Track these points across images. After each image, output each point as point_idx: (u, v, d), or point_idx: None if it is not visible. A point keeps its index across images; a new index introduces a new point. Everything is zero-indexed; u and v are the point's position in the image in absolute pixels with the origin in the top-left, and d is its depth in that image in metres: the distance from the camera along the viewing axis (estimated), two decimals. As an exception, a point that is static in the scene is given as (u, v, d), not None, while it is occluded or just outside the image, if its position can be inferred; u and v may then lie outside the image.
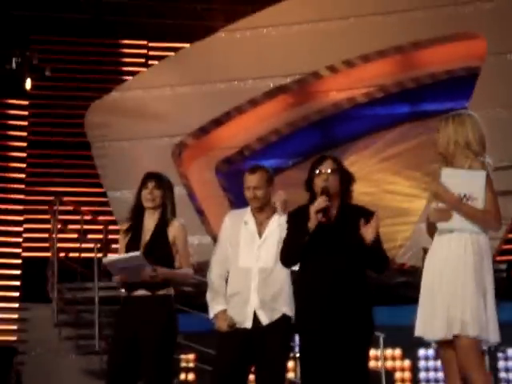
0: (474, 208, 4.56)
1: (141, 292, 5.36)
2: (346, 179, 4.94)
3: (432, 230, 4.71)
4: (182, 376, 9.29)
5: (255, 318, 5.18)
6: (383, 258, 4.90)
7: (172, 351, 5.42)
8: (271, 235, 5.23)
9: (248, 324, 5.17)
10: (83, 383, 8.64)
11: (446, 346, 4.60)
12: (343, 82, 11.19)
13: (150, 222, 5.48)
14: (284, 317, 5.17)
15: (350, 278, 4.79)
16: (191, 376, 9.28)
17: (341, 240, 4.83)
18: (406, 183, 10.79)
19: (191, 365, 9.20)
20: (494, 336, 4.55)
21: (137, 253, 5.30)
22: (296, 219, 4.92)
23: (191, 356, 9.15)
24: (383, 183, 10.88)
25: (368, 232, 4.77)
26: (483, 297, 4.51)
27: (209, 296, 5.32)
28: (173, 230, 5.46)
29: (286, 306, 5.19)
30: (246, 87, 11.28)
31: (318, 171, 4.90)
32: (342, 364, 4.79)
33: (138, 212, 5.51)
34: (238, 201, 9.34)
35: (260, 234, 5.27)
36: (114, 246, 8.52)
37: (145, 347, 5.29)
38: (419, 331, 4.62)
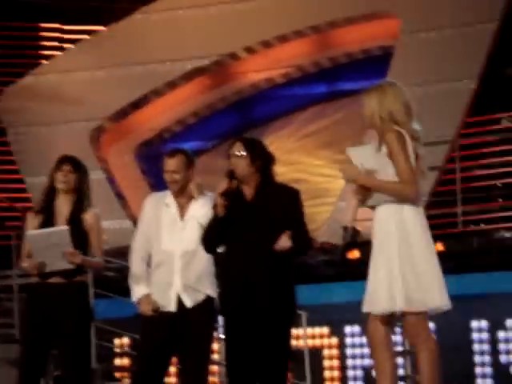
0: (388, 182, 4.56)
1: (56, 279, 5.31)
2: (261, 160, 4.97)
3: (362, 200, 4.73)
4: (117, 361, 9.25)
5: (179, 301, 5.19)
6: (305, 244, 4.95)
7: (89, 339, 5.42)
8: (193, 218, 5.24)
9: (172, 307, 5.18)
10: (1, 372, 8.52)
11: (375, 319, 4.62)
12: (261, 62, 11.21)
13: (63, 206, 5.40)
14: (207, 298, 5.20)
15: (268, 257, 4.82)
16: (126, 361, 9.25)
17: (258, 219, 4.87)
18: (323, 163, 10.88)
19: (126, 349, 9.16)
20: (440, 302, 4.55)
21: (63, 227, 5.24)
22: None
23: (125, 341, 9.11)
24: (301, 164, 10.95)
25: (283, 242, 4.81)
26: (421, 268, 4.52)
27: (131, 280, 5.30)
28: (88, 219, 5.40)
29: (209, 288, 5.21)
30: (163, 70, 11.23)
31: (228, 156, 4.97)
32: (264, 344, 4.83)
33: (49, 194, 5.41)
34: (158, 184, 9.29)
35: (182, 216, 5.27)
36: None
37: (62, 336, 5.26)
38: (365, 307, 4.61)
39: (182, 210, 5.27)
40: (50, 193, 5.41)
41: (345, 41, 11.03)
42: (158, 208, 5.28)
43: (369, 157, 4.62)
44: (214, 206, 4.89)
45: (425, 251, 4.57)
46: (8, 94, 11.14)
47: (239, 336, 4.87)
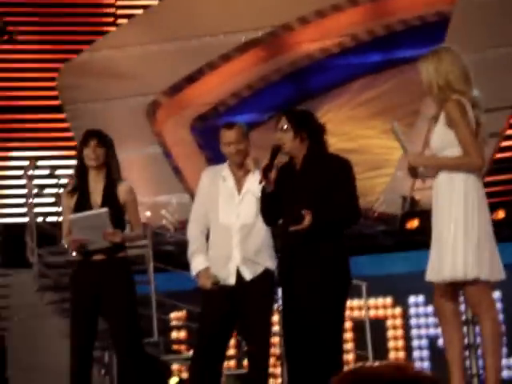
0: (451, 158, 4.50)
1: (98, 256, 5.34)
2: (307, 132, 4.93)
3: (413, 174, 4.69)
4: (174, 334, 9.33)
5: (238, 274, 5.20)
6: (352, 215, 4.91)
7: (136, 312, 5.47)
8: (249, 191, 5.23)
9: (231, 280, 5.18)
10: (68, 346, 8.64)
11: (439, 291, 4.58)
12: (315, 32, 11.12)
13: (96, 183, 5.41)
14: (266, 271, 5.19)
15: (318, 229, 4.79)
16: (183, 334, 9.32)
17: (304, 190, 4.85)
18: (381, 134, 10.78)
19: (182, 323, 9.23)
20: (497, 274, 4.51)
21: (103, 210, 5.27)
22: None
23: (181, 314, 9.18)
24: (359, 135, 10.87)
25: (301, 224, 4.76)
26: (480, 238, 4.47)
27: (190, 254, 5.31)
28: (122, 193, 5.42)
29: (268, 261, 5.21)
30: (217, 43, 11.19)
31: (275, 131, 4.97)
32: (316, 315, 4.82)
33: (81, 172, 5.42)
34: (214, 157, 9.30)
35: (239, 190, 5.26)
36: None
37: (109, 311, 5.31)
38: (428, 275, 4.57)
39: (239, 183, 5.26)
40: (82, 170, 5.42)
41: (400, 8, 10.88)
42: (215, 181, 5.28)
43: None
44: (260, 182, 4.88)
45: (485, 222, 4.51)
46: (64, 71, 11.22)
47: (293, 307, 4.88)
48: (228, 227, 5.21)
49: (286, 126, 4.93)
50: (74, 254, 5.44)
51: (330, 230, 4.84)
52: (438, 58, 4.52)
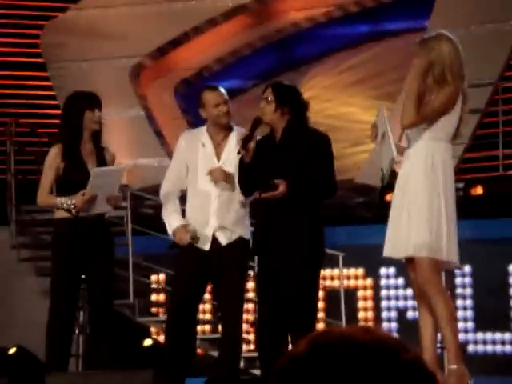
0: (409, 101, 4.53)
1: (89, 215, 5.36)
2: (290, 105, 4.96)
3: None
4: (153, 297, 9.36)
5: (214, 240, 5.23)
6: (328, 188, 4.95)
7: (114, 273, 5.60)
8: (229, 157, 5.24)
9: (207, 246, 5.22)
10: (41, 304, 8.63)
11: (411, 267, 4.63)
12: (303, 1, 11.08)
13: (86, 143, 5.41)
14: (241, 238, 5.23)
15: (292, 199, 4.83)
16: (162, 297, 9.35)
17: (282, 162, 4.88)
18: (363, 101, 10.78)
19: (160, 286, 9.26)
20: (453, 257, 4.57)
21: (122, 166, 5.34)
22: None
23: (161, 277, 9.21)
24: (342, 109, 10.86)
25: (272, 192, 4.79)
26: (439, 218, 4.51)
27: (164, 214, 5.34)
28: (110, 157, 5.46)
29: (243, 229, 5.25)
30: (204, 7, 11.13)
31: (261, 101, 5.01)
32: (290, 284, 4.87)
33: (77, 133, 5.39)
34: (197, 122, 9.29)
35: (217, 156, 5.26)
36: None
37: (93, 271, 5.34)
38: (386, 251, 4.63)
39: (219, 148, 5.27)
40: (78, 132, 5.39)
41: (389, -21, 10.85)
42: (194, 146, 5.29)
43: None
44: (239, 152, 4.91)
45: (448, 202, 4.55)
46: (49, 28, 11.12)
47: (269, 275, 4.92)
48: (206, 193, 5.24)
49: (270, 98, 4.97)
50: (64, 211, 5.38)
51: (305, 201, 4.87)
52: (439, 43, 4.58)
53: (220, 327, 5.44)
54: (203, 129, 5.34)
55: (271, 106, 4.98)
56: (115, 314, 5.61)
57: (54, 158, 5.38)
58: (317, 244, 4.97)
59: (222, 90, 5.34)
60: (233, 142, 5.26)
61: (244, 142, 4.89)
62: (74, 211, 5.27)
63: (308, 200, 4.90)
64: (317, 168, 4.89)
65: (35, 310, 8.60)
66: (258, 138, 5.01)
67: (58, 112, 10.91)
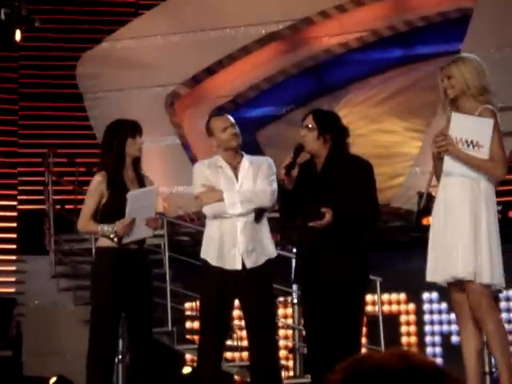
0: (480, 160, 4.56)
1: (132, 245, 5.39)
2: (331, 133, 4.97)
3: (437, 172, 4.72)
4: (188, 324, 9.36)
5: (241, 261, 5.24)
6: (372, 217, 4.96)
7: (152, 302, 5.62)
8: (246, 178, 5.27)
9: (233, 267, 5.22)
10: (81, 333, 8.69)
11: (455, 289, 4.61)
12: (335, 27, 11.11)
13: (128, 170, 5.46)
14: (268, 260, 5.25)
15: (337, 227, 4.82)
16: (196, 324, 9.35)
17: (324, 191, 4.88)
18: (399, 127, 10.77)
19: (195, 313, 9.26)
20: (498, 280, 4.55)
21: (154, 186, 5.37)
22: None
23: (195, 304, 9.21)
24: (376, 128, 10.86)
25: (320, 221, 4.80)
26: (486, 242, 4.51)
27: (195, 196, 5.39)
28: (149, 185, 5.50)
29: (269, 249, 5.26)
30: (237, 35, 11.20)
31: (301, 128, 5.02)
32: (337, 311, 4.86)
33: (120, 161, 5.44)
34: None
35: (236, 177, 5.31)
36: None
37: (134, 301, 5.35)
38: (430, 276, 4.62)
39: (235, 171, 5.31)
40: (120, 160, 5.43)
41: (421, 4, 10.85)
42: (214, 170, 5.32)
43: (471, 127, 4.59)
44: (282, 179, 4.93)
45: (492, 229, 4.55)
46: (85, 59, 11.26)
47: (313, 304, 4.92)
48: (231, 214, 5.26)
49: (311, 125, 4.96)
50: (108, 239, 5.39)
51: (350, 228, 4.87)
52: (471, 65, 4.63)
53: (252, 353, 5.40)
54: (217, 156, 5.38)
55: (313, 133, 4.98)
56: (155, 342, 5.61)
57: (97, 186, 5.42)
58: (362, 271, 4.96)
59: (228, 115, 5.46)
60: (246, 165, 5.32)
61: (287, 169, 4.90)
62: (115, 238, 5.29)
63: (353, 228, 4.90)
64: (361, 196, 4.88)
65: (75, 339, 8.66)
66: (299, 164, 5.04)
67: (95, 142, 11.05)
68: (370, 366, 1.27)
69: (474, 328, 4.59)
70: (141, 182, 5.45)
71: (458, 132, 4.56)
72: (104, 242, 5.39)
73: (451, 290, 4.62)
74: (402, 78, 10.97)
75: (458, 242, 4.51)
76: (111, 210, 5.37)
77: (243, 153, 5.37)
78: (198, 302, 9.10)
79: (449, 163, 4.60)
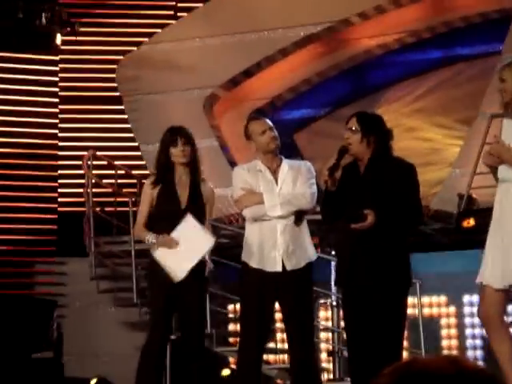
0: None
1: None
2: (375, 135, 4.94)
3: (495, 176, 4.68)
4: (231, 327, 9.36)
5: (282, 264, 5.24)
6: (415, 219, 4.93)
7: (205, 306, 5.72)
8: (286, 181, 5.28)
9: (273, 269, 5.22)
10: (122, 335, 8.75)
11: (490, 293, 4.56)
12: (374, 28, 11.06)
13: (181, 176, 5.50)
14: (309, 263, 5.24)
15: (380, 229, 4.80)
16: (231, 327, 9.35)
17: (367, 193, 4.86)
18: (439, 130, 10.70)
19: (231, 315, 9.27)
20: None
21: (211, 239, 5.39)
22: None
23: (230, 307, 9.22)
24: (416, 130, 10.80)
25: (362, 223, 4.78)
26: None
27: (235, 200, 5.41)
28: (207, 191, 5.53)
29: (309, 251, 5.26)
30: (276, 37, 11.20)
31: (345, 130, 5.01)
32: (379, 313, 4.84)
33: (167, 169, 5.51)
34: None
35: (276, 181, 5.31)
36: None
37: (185, 304, 5.37)
38: (482, 278, 4.57)
39: (275, 174, 5.31)
40: (167, 167, 5.51)
41: (461, 4, 10.77)
42: (253, 174, 5.32)
43: None
44: (325, 181, 4.92)
45: None
46: (124, 63, 11.32)
47: (355, 307, 4.90)
48: (271, 217, 5.26)
49: (354, 128, 4.95)
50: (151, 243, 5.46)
51: (393, 230, 4.84)
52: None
53: (291, 355, 5.40)
54: (256, 160, 5.39)
55: (357, 136, 4.96)
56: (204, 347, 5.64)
57: (145, 191, 5.53)
58: (404, 273, 4.94)
59: (266, 119, 5.47)
60: (286, 168, 5.32)
61: (330, 171, 4.88)
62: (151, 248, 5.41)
63: (396, 230, 4.87)
64: (404, 198, 4.86)
65: (115, 340, 8.71)
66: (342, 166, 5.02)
67: (134, 144, 11.12)
68: (418, 371, 1.25)
69: (506, 332, 4.54)
70: (194, 187, 5.48)
71: (511, 138, 4.52)
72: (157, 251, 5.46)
73: (485, 293, 4.56)
74: (441, 80, 10.89)
75: (503, 248, 4.47)
76: (157, 212, 5.46)
77: (282, 157, 5.38)
78: (238, 305, 9.16)
79: (503, 170, 4.56)
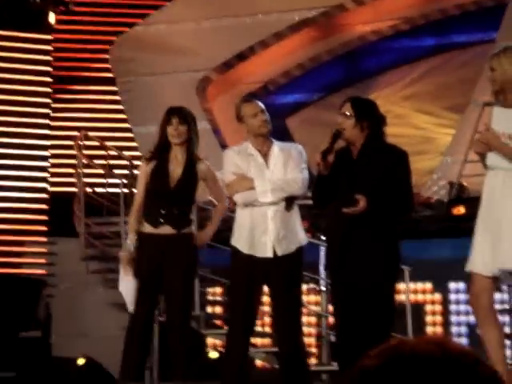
0: None
1: (166, 230, 5.42)
2: (369, 121, 4.94)
3: (484, 162, 4.69)
4: (209, 309, 9.39)
5: (272, 249, 5.24)
6: (406, 206, 4.94)
7: (193, 287, 5.66)
8: (277, 165, 5.27)
9: (264, 254, 5.22)
10: (110, 316, 8.76)
11: (479, 279, 4.57)
12: (369, 14, 11.06)
13: (177, 155, 5.53)
14: (299, 247, 5.25)
15: (370, 215, 4.81)
16: (218, 309, 9.38)
17: (360, 178, 4.86)
18: (431, 118, 10.71)
19: (218, 298, 9.29)
20: None
21: (131, 283, 5.45)
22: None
23: (218, 289, 9.24)
24: (408, 117, 10.81)
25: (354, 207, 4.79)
26: None
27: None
28: (203, 169, 5.53)
29: (300, 237, 5.27)
30: (270, 21, 11.18)
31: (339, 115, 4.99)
32: (368, 299, 4.85)
33: (163, 148, 5.55)
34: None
35: (267, 164, 5.30)
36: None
37: (170, 283, 5.40)
38: (472, 266, 4.58)
39: (266, 157, 5.30)
40: (163, 146, 5.54)
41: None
42: (244, 157, 5.32)
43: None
44: (318, 165, 4.91)
45: None
46: (118, 43, 11.29)
47: (343, 291, 4.91)
48: (262, 202, 5.26)
49: (349, 113, 4.94)
50: (147, 225, 5.51)
51: (384, 217, 4.85)
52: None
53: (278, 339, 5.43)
54: (247, 143, 5.37)
55: (351, 121, 4.96)
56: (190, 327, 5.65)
57: (142, 165, 5.63)
58: (394, 259, 4.95)
59: (258, 101, 5.46)
60: (276, 151, 5.31)
61: (323, 155, 4.88)
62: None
63: (386, 216, 4.88)
64: (396, 185, 4.86)
65: (104, 321, 8.71)
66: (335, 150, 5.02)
67: (126, 126, 11.09)
68: (405, 353, 1.26)
69: (495, 319, 4.56)
70: (188, 167, 5.49)
71: (501, 126, 4.52)
72: (144, 228, 5.49)
73: (475, 280, 4.57)
74: (435, 68, 10.89)
75: (505, 234, 4.47)
76: (149, 190, 5.51)
77: (272, 139, 5.37)
78: (221, 288, 9.17)
79: (492, 157, 4.56)
